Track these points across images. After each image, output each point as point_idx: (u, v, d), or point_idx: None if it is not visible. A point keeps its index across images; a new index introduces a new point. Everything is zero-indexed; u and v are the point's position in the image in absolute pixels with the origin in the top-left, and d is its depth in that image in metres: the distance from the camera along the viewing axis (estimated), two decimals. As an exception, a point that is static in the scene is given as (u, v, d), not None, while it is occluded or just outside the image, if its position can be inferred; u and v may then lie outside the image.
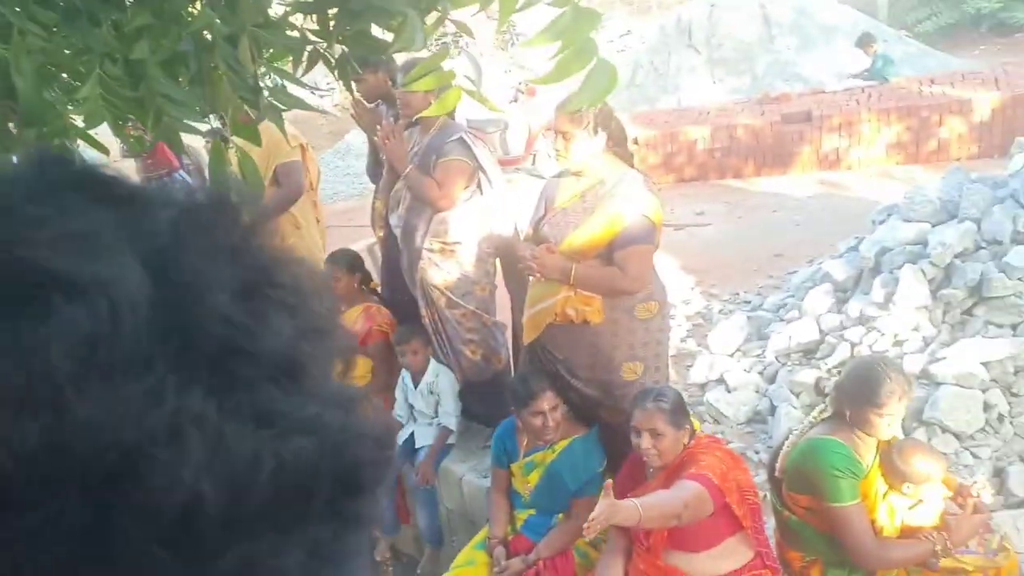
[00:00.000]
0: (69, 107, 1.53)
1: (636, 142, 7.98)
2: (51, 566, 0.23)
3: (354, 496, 0.30)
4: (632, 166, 2.85)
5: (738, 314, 4.57)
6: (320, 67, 1.54)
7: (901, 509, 2.42)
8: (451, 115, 3.50)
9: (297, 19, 1.47)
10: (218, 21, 1.30)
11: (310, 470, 0.27)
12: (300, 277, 0.31)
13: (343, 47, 1.43)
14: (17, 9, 1.25)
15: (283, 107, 1.42)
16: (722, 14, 11.52)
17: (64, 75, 1.63)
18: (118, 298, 0.25)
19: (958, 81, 7.96)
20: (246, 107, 1.37)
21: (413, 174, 3.35)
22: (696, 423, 2.64)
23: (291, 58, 1.48)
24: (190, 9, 1.43)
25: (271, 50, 1.47)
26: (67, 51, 1.49)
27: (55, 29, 1.39)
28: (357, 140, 10.40)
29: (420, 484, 3.56)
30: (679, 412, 2.48)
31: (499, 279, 3.64)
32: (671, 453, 2.46)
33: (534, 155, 8.59)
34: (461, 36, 12.97)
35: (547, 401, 2.84)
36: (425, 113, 2.41)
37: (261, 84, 1.58)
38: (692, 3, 12.77)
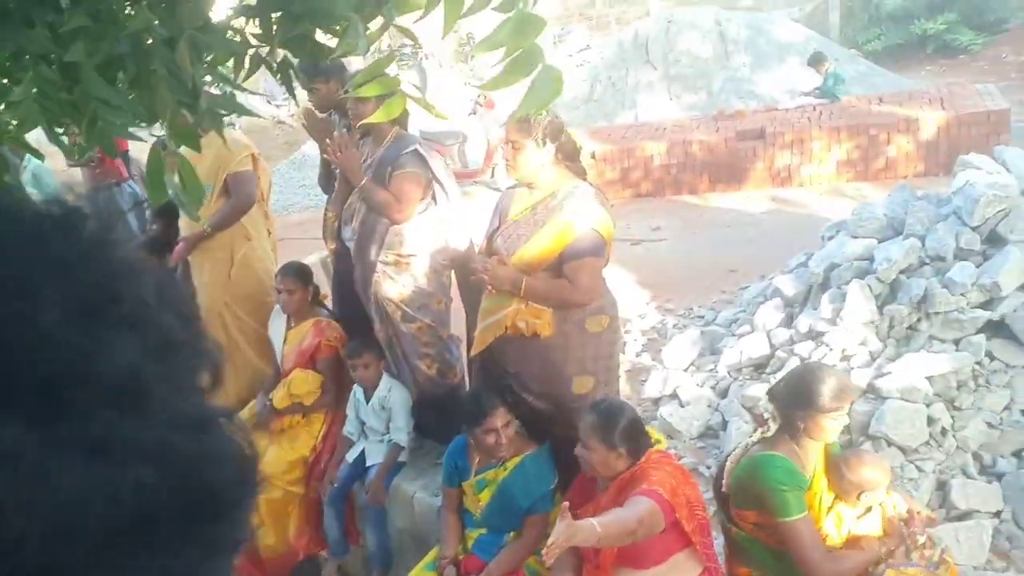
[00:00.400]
0: (2, 110, 1.48)
1: (594, 156, 8.04)
2: None
3: (208, 522, 0.28)
4: (585, 180, 2.86)
5: (692, 329, 4.61)
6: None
7: (849, 519, 2.45)
8: (404, 127, 3.48)
9: (240, 23, 1.44)
10: (157, 24, 1.26)
11: (152, 500, 0.26)
12: (149, 290, 0.29)
13: (285, 51, 1.41)
14: None
15: (223, 112, 1.39)
16: (679, 31, 11.71)
17: None
18: None
19: (905, 100, 8.19)
20: (184, 112, 1.33)
21: (368, 186, 3.31)
22: (661, 440, 2.61)
23: (233, 62, 1.45)
24: (128, 11, 1.39)
25: (212, 55, 1.43)
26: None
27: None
28: (313, 151, 10.28)
29: (370, 503, 3.50)
30: (612, 431, 2.43)
31: (455, 292, 3.61)
32: (601, 469, 2.46)
33: (493, 168, 8.60)
34: (420, 48, 12.96)
35: (500, 418, 2.82)
36: (369, 120, 2.39)
37: (205, 89, 1.54)
38: (649, 20, 12.96)
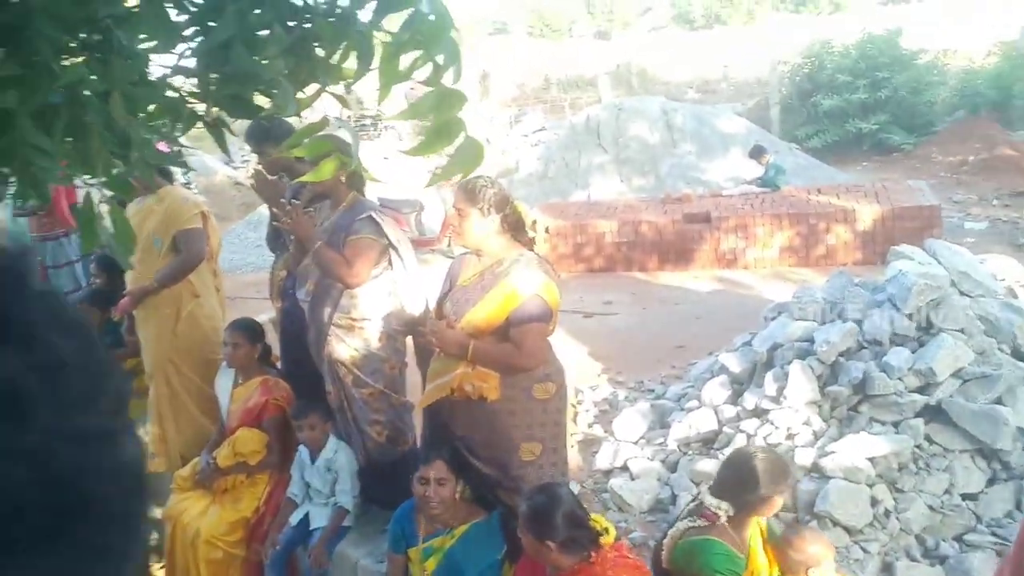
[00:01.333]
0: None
1: (548, 231, 8.19)
2: None
3: (82, 524, 0.30)
4: (532, 250, 2.91)
5: (642, 402, 4.64)
6: (239, 140, 1.55)
7: None
8: (362, 192, 3.50)
9: (179, 81, 1.46)
10: (93, 77, 1.27)
11: (18, 496, 0.28)
12: (42, 316, 0.32)
13: (218, 109, 1.43)
14: None
15: (153, 163, 1.40)
16: (628, 118, 12.19)
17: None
18: None
19: (843, 193, 8.60)
20: (117, 162, 1.34)
21: (321, 251, 3.29)
22: (610, 529, 2.46)
23: (170, 118, 1.46)
24: (63, 63, 1.39)
25: (149, 110, 1.45)
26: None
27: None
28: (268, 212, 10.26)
29: (313, 568, 3.37)
30: (542, 524, 2.36)
31: (412, 358, 3.57)
32: (536, 558, 2.43)
33: (449, 237, 8.66)
34: (378, 114, 13.20)
35: (435, 470, 2.80)
36: (304, 179, 2.43)
37: (159, 144, 1.54)
38: (600, 106, 13.47)
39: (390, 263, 3.41)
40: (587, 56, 24.92)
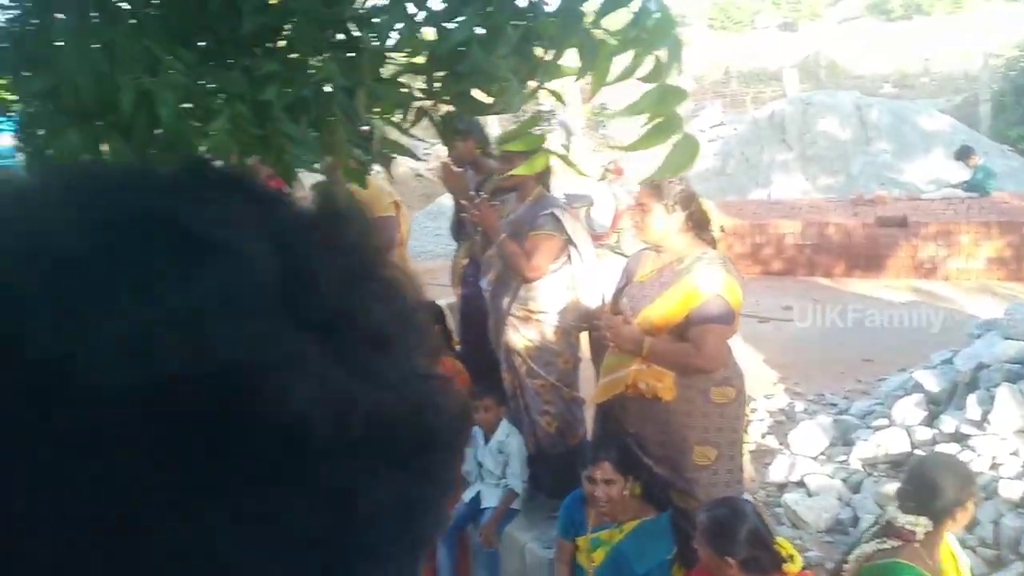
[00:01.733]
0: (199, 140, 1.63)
1: (723, 230, 7.92)
2: (189, 453, 0.29)
3: (430, 453, 0.34)
4: (714, 249, 2.83)
5: (823, 416, 4.41)
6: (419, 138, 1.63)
7: None
8: (548, 187, 3.56)
9: (406, 78, 1.55)
10: (339, 74, 1.37)
11: (395, 421, 0.32)
12: (395, 277, 0.38)
13: (448, 106, 1.50)
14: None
15: (392, 155, 1.50)
16: (817, 113, 11.53)
17: (196, 109, 1.74)
18: (253, 263, 0.31)
19: (1066, 200, 7.67)
20: (357, 152, 1.45)
21: (504, 243, 3.39)
22: (796, 556, 2.33)
23: (399, 112, 1.56)
24: (315, 61, 1.52)
25: (381, 104, 1.54)
26: (202, 88, 1.59)
27: (193, 69, 1.48)
28: (449, 202, 10.74)
29: (483, 546, 3.49)
30: (723, 538, 2.25)
31: (586, 353, 3.60)
32: (714, 572, 2.32)
33: (619, 233, 8.62)
34: (556, 111, 13.42)
35: (600, 471, 2.78)
36: (515, 171, 2.50)
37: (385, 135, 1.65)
38: (786, 100, 12.84)
39: (569, 258, 3.45)
40: (771, 48, 23.85)
